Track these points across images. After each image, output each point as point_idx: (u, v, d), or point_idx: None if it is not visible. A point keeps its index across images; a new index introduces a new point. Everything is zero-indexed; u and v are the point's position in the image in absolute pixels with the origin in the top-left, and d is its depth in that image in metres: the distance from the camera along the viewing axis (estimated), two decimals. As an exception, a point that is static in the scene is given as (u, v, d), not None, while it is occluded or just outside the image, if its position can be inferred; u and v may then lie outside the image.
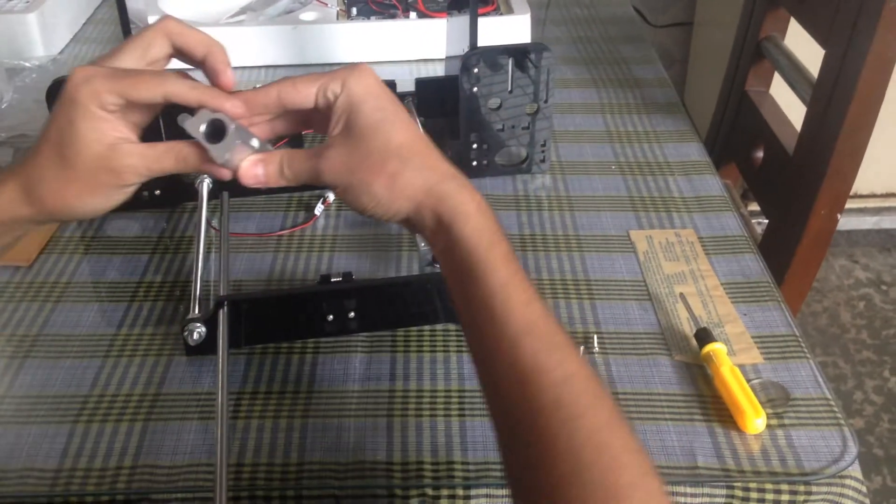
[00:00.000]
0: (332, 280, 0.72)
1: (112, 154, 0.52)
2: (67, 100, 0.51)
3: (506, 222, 0.87)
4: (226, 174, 0.54)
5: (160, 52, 0.55)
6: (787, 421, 0.64)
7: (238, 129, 0.52)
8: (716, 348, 0.67)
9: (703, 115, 1.40)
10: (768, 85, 1.13)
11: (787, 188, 0.99)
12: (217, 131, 0.51)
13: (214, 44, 0.55)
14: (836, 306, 1.97)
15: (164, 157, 0.53)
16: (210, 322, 0.70)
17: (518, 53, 0.89)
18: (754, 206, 1.22)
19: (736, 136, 1.15)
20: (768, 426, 0.64)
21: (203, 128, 0.51)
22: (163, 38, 0.55)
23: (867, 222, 2.17)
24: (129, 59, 0.54)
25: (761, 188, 1.07)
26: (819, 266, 0.96)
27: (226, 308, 0.69)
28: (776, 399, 0.65)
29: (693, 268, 0.80)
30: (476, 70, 0.89)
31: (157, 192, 0.89)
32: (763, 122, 1.07)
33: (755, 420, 0.62)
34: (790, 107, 1.09)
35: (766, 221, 1.08)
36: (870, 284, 2.04)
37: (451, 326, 0.74)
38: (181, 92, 0.52)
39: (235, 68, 1.24)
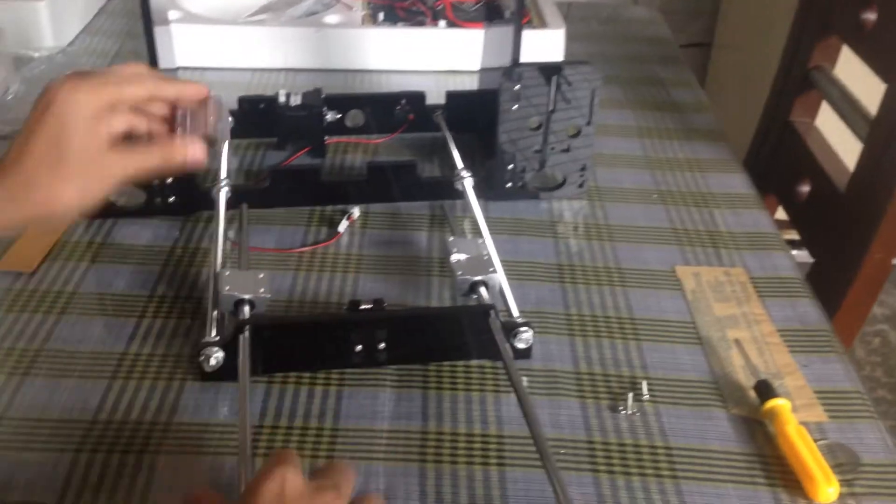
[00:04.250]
0: (362, 307, 0.67)
1: (105, 151, 0.57)
2: (58, 106, 0.56)
3: (540, 249, 0.82)
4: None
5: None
6: (857, 489, 0.59)
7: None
8: (780, 404, 0.62)
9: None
10: (814, 116, 1.08)
11: (837, 227, 0.94)
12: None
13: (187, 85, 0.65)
14: (855, 337, 1.93)
15: (151, 150, 0.60)
16: (229, 346, 0.64)
17: (562, 71, 0.84)
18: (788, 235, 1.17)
19: (777, 167, 1.10)
20: (839, 495, 0.58)
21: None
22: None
23: (882, 258, 2.13)
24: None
25: (807, 225, 1.02)
26: (868, 312, 0.91)
27: (247, 333, 0.63)
28: (845, 464, 0.60)
29: (745, 310, 0.75)
30: (517, 87, 0.83)
31: (171, 198, 0.84)
32: (809, 155, 1.02)
33: (828, 489, 0.57)
34: (838, 140, 1.04)
35: (800, 252, 1.03)
36: (885, 321, 1.99)
37: (487, 363, 0.68)
38: (161, 87, 0.62)
39: (253, 70, 1.19)
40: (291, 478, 0.44)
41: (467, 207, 0.83)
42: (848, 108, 0.97)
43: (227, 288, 0.67)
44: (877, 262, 0.87)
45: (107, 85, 0.58)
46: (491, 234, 0.79)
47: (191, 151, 0.61)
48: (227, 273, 0.68)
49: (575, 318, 0.74)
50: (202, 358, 0.64)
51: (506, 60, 1.11)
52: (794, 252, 1.11)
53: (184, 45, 1.11)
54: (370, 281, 0.77)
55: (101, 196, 0.58)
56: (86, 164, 0.56)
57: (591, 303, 0.76)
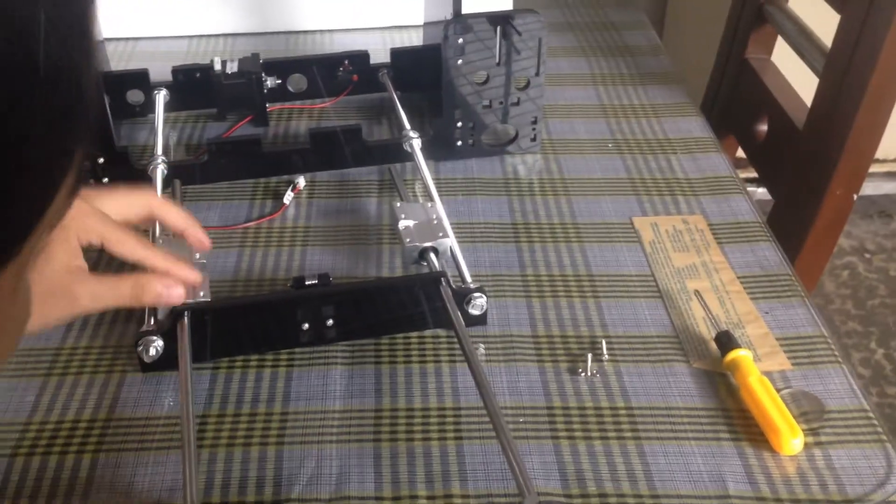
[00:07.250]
0: (307, 283, 0.64)
1: (74, 279, 0.54)
2: None
3: (495, 209, 0.79)
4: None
5: (136, 218, 0.60)
6: (823, 438, 0.57)
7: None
8: (741, 356, 0.60)
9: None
10: (769, 52, 1.06)
11: (796, 165, 0.92)
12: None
13: (192, 223, 0.62)
14: (820, 276, 1.92)
15: (121, 284, 0.56)
16: (168, 334, 0.61)
17: (507, 21, 0.80)
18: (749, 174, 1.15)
19: (735, 107, 1.08)
20: (804, 445, 0.57)
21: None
22: (146, 210, 0.60)
23: (849, 189, 2.12)
24: (112, 207, 0.57)
25: (766, 164, 1.00)
26: (833, 249, 0.90)
27: (186, 319, 0.60)
28: (810, 413, 0.59)
29: (705, 259, 0.72)
30: (461, 40, 0.80)
31: (105, 179, 0.80)
32: (766, 93, 0.99)
33: (792, 440, 0.55)
34: (795, 75, 1.01)
35: (761, 189, 1.01)
36: (853, 253, 1.99)
37: (441, 333, 0.66)
38: (154, 262, 0.57)
39: (189, 38, 1.14)
40: None
41: (417, 170, 0.80)
42: (803, 41, 0.94)
43: None
44: (838, 198, 0.85)
45: (111, 231, 0.56)
46: (443, 195, 0.76)
47: (174, 294, 0.57)
48: None
49: (531, 280, 0.71)
50: (140, 348, 0.61)
51: (450, 11, 1.07)
52: (755, 189, 1.09)
53: (110, 12, 1.06)
54: (318, 253, 0.74)
55: (64, 316, 0.58)
56: (54, 283, 0.52)
57: (548, 262, 0.73)
